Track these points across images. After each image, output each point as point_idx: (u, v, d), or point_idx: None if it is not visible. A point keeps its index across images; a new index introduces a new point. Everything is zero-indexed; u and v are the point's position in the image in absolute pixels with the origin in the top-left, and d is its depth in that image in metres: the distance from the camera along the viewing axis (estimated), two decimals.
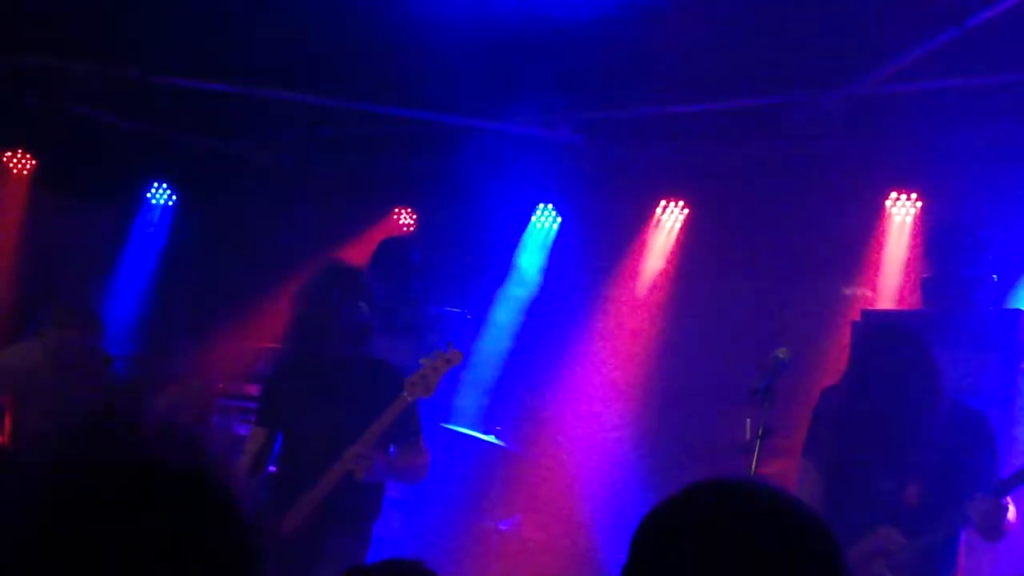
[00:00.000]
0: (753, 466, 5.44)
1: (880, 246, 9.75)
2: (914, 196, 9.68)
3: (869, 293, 9.89)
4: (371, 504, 6.89)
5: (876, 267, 9.77)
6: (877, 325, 6.65)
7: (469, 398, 10.44)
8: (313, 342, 6.75)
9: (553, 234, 11.31)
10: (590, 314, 10.99)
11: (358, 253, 10.67)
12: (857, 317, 8.98)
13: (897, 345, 6.21)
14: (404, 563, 3.51)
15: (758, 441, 5.45)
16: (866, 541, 6.00)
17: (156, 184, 12.18)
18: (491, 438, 9.66)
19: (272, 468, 7.17)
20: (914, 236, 9.48)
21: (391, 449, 6.81)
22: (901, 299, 9.22)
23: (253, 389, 9.23)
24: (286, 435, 6.86)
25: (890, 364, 6.11)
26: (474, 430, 9.80)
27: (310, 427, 6.72)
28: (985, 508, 5.84)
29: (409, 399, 6.58)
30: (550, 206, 11.30)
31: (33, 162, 11.53)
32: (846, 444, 6.21)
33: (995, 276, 8.42)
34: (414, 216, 12.07)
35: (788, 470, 6.96)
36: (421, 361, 6.70)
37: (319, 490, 6.49)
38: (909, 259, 9.30)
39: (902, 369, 6.07)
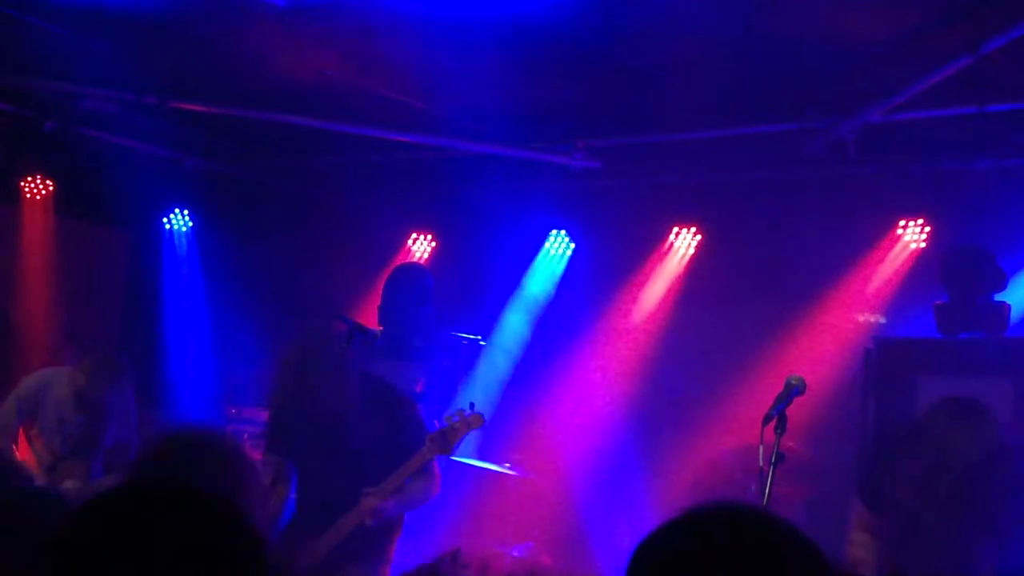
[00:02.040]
0: (766, 492, 5.41)
1: (893, 273, 9.75)
2: (921, 222, 9.69)
3: (882, 320, 9.90)
4: (390, 526, 6.89)
5: (889, 294, 9.77)
6: (957, 400, 6.55)
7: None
8: (308, 398, 6.73)
9: (566, 260, 11.33)
10: (601, 340, 11.01)
11: (375, 278, 10.70)
12: (870, 344, 8.98)
13: (974, 432, 6.17)
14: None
15: (771, 467, 5.42)
16: None
17: (173, 209, 12.22)
18: (503, 468, 9.67)
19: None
20: (927, 263, 9.48)
21: (406, 480, 6.81)
22: (915, 326, 9.21)
23: (263, 414, 9.27)
24: (302, 469, 6.85)
25: (967, 441, 6.08)
26: (484, 460, 9.82)
27: (328, 466, 6.72)
28: None
29: (429, 456, 6.61)
30: (563, 232, 11.33)
31: (51, 187, 11.57)
32: (909, 504, 6.18)
33: (1010, 303, 8.41)
34: (432, 241, 12.10)
35: (796, 496, 6.97)
36: (445, 418, 6.71)
37: (335, 535, 6.51)
38: (922, 286, 9.29)
39: (981, 449, 6.04)
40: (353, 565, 6.68)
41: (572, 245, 11.33)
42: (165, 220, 12.25)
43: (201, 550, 2.12)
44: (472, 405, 6.82)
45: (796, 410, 5.71)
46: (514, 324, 11.29)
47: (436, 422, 6.73)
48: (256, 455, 7.67)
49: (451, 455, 6.73)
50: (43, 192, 11.57)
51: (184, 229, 12.26)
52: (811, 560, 2.26)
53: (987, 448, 6.01)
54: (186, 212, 12.25)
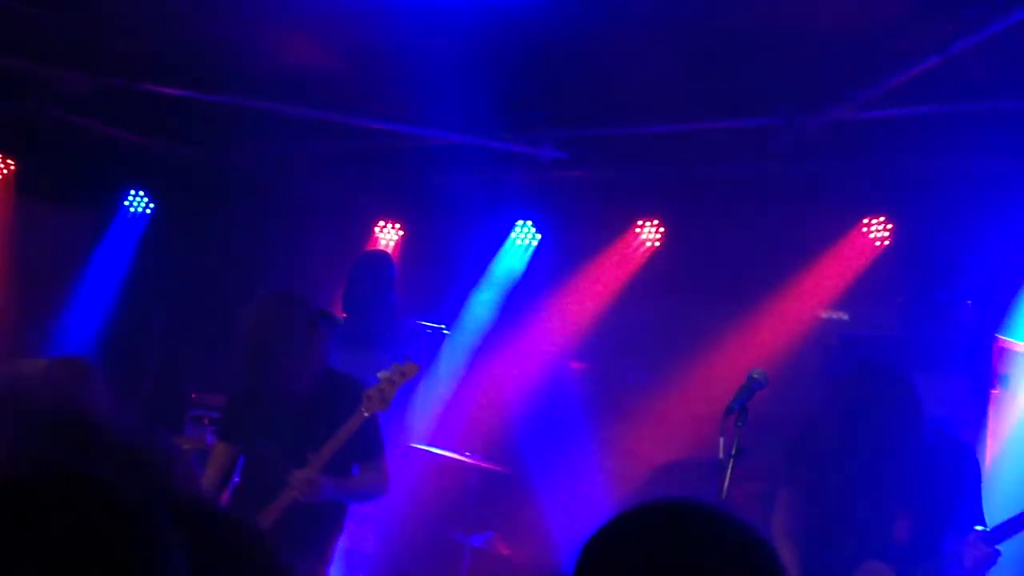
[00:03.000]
0: (725, 486, 5.42)
1: (856, 270, 9.78)
2: (882, 219, 9.72)
3: (845, 317, 9.93)
4: (330, 523, 6.79)
5: (852, 291, 9.80)
6: (861, 363, 6.65)
7: (434, 412, 10.46)
8: (267, 368, 6.67)
9: (531, 250, 11.34)
10: (563, 330, 11.02)
11: (341, 266, 10.67)
12: (833, 340, 9.01)
13: (881, 385, 6.22)
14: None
15: (731, 461, 5.43)
16: None
17: (134, 192, 12.15)
18: (466, 456, 9.67)
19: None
20: (890, 260, 9.51)
21: (354, 468, 6.74)
22: (876, 323, 9.24)
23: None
24: (246, 454, 6.80)
25: (874, 404, 6.13)
26: (445, 449, 9.81)
27: (268, 447, 6.66)
28: (979, 555, 5.87)
29: (366, 414, 6.52)
30: (529, 223, 11.34)
31: (12, 166, 11.49)
32: (831, 477, 6.22)
33: (969, 301, 8.44)
34: (399, 230, 12.08)
35: (757, 492, 6.97)
36: (379, 375, 6.65)
37: (269, 514, 6.37)
38: (885, 283, 9.32)
39: (886, 410, 6.09)
40: (294, 558, 6.59)
41: (538, 236, 11.33)
42: (127, 202, 12.19)
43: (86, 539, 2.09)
44: (407, 356, 6.78)
45: (758, 405, 5.73)
46: (477, 313, 11.28)
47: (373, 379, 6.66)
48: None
49: (386, 409, 6.62)
50: (4, 171, 11.50)
51: (146, 212, 12.20)
52: (762, 556, 2.25)
53: (902, 413, 6.07)
54: (148, 195, 12.18)
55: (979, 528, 6.04)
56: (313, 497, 6.38)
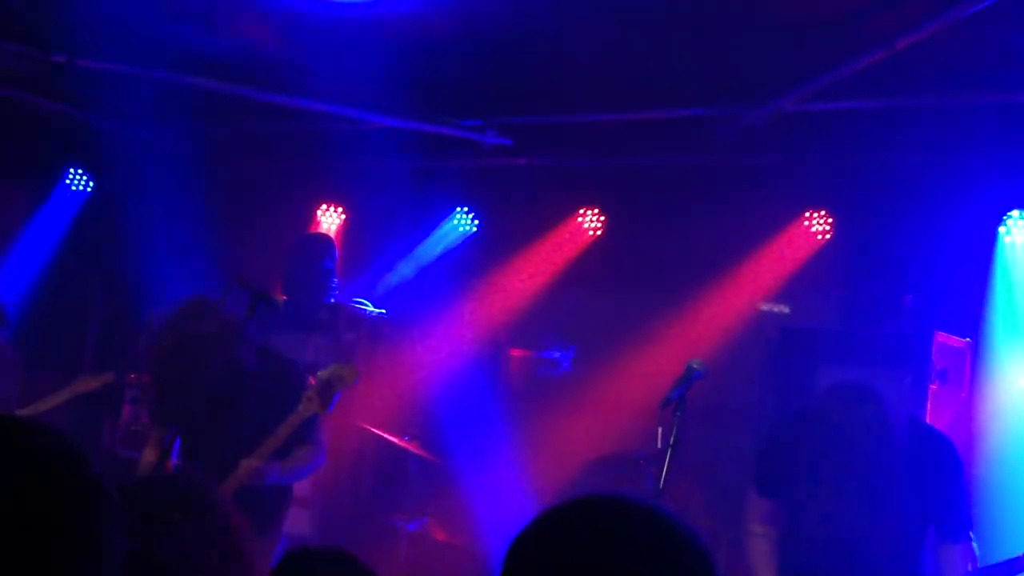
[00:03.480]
0: (663, 476, 5.42)
1: (798, 262, 9.81)
2: (823, 213, 9.76)
3: (785, 309, 9.96)
4: (277, 499, 6.81)
5: (793, 283, 9.83)
6: (839, 390, 6.63)
7: (387, 399, 10.43)
8: (197, 358, 6.63)
9: (470, 236, 11.33)
10: (498, 319, 11.01)
11: (283, 249, 10.61)
12: (774, 332, 9.04)
13: (860, 413, 6.21)
14: (341, 551, 3.52)
15: (668, 451, 5.43)
16: None
17: (73, 169, 12.02)
18: (406, 441, 9.63)
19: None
20: (831, 254, 9.55)
21: (292, 447, 6.72)
22: (817, 316, 9.27)
23: None
24: (185, 438, 6.74)
25: (854, 432, 6.11)
26: (386, 432, 9.77)
27: (208, 434, 6.62)
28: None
29: (305, 414, 6.52)
30: (465, 208, 11.31)
31: None
32: (811, 484, 6.20)
33: (909, 296, 8.49)
34: (341, 213, 12.02)
35: (695, 483, 6.99)
36: (319, 374, 6.64)
37: None
38: (826, 277, 9.35)
39: (866, 438, 6.07)
40: None
41: (476, 222, 11.30)
42: (67, 179, 12.06)
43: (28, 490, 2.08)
44: (346, 360, 6.78)
45: (696, 395, 5.73)
46: (395, 291, 11.26)
47: (312, 379, 6.66)
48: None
49: (327, 411, 6.63)
50: None
51: (86, 189, 12.08)
52: (692, 549, 2.24)
53: (876, 430, 6.07)
54: (87, 173, 12.06)
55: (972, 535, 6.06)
56: (259, 483, 6.40)
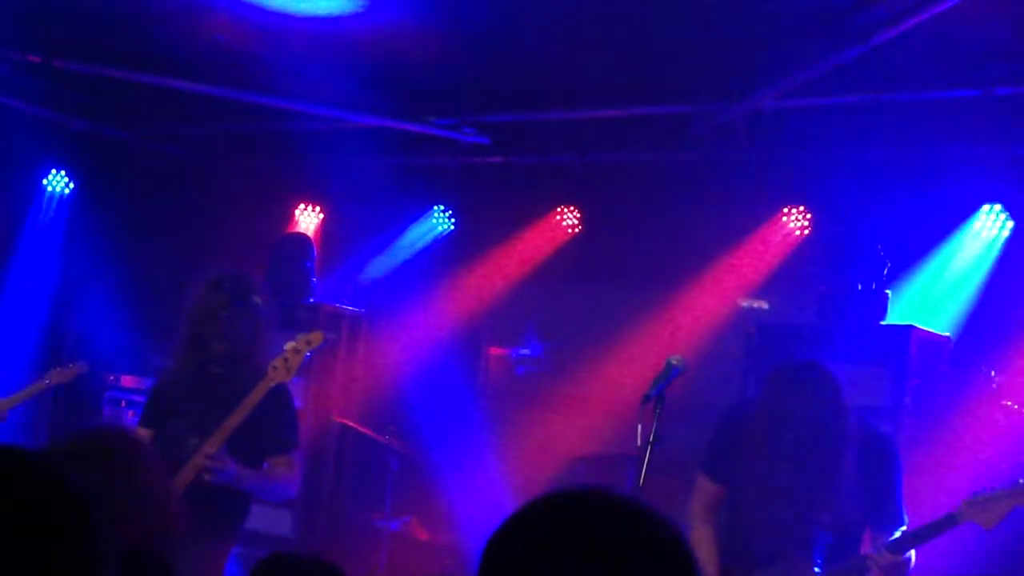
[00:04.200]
0: (642, 472, 5.42)
1: (776, 258, 9.82)
2: (802, 208, 9.78)
3: (764, 305, 9.98)
4: (234, 504, 6.66)
5: (772, 279, 9.85)
6: (785, 359, 6.66)
7: (366, 398, 10.43)
8: (194, 349, 6.62)
9: (442, 234, 11.32)
10: (477, 317, 11.01)
11: (261, 249, 10.60)
12: (752, 328, 9.05)
13: (800, 378, 6.23)
14: (321, 560, 3.53)
15: (648, 447, 5.44)
16: (771, 570, 6.04)
17: (54, 171, 11.97)
18: (386, 438, 9.63)
19: None
20: (810, 250, 9.57)
21: (264, 464, 6.64)
22: (795, 312, 9.29)
23: (145, 382, 9.13)
24: (156, 436, 6.70)
25: (793, 397, 6.13)
26: (366, 431, 9.78)
27: (177, 427, 6.59)
28: (886, 563, 5.89)
29: (272, 382, 6.44)
30: (442, 207, 11.30)
31: None
32: (752, 467, 6.21)
33: (889, 291, 8.51)
34: (319, 213, 12.00)
35: (677, 480, 6.99)
36: (285, 346, 6.59)
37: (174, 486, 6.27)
38: (804, 272, 9.37)
39: (806, 404, 6.09)
40: (196, 549, 6.48)
41: (452, 220, 11.29)
42: (45, 181, 12.01)
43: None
44: (311, 325, 6.73)
45: (675, 392, 5.74)
46: (388, 296, 11.26)
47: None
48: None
49: (291, 378, 6.56)
50: None
51: (64, 192, 12.03)
52: (672, 543, 2.24)
53: (824, 406, 6.09)
54: (66, 175, 12.01)
55: (900, 531, 6.06)
56: (215, 474, 6.26)
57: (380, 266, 11.38)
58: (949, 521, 5.85)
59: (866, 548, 6.11)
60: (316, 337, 6.63)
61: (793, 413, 6.09)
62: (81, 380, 9.60)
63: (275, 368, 6.44)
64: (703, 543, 6.29)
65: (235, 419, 6.31)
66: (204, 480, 6.24)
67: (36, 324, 11.49)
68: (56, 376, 8.61)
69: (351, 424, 9.89)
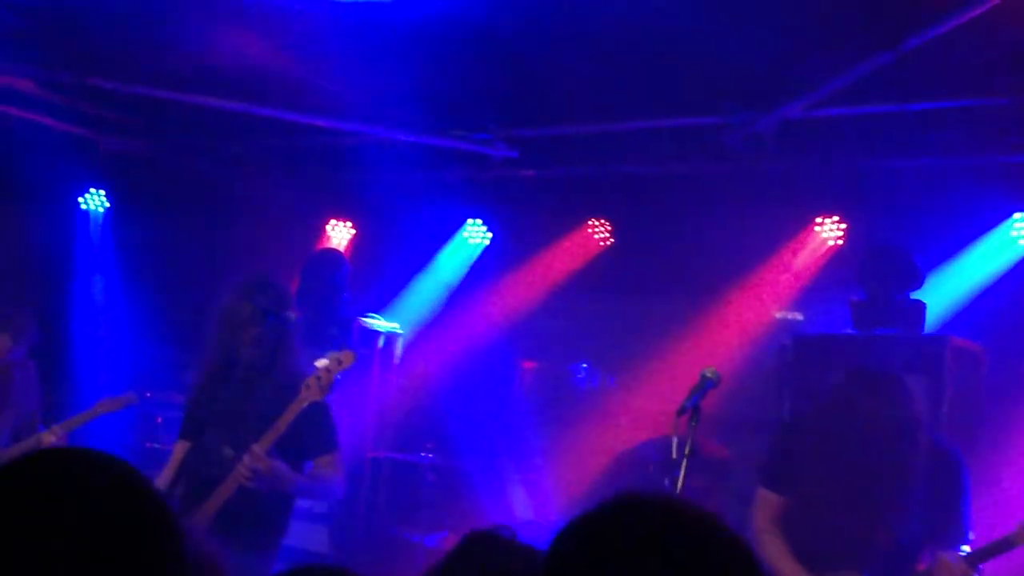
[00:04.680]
0: (679, 484, 5.41)
1: (810, 269, 9.79)
2: (837, 219, 9.74)
3: (799, 316, 9.95)
4: (275, 515, 6.69)
5: (805, 290, 9.82)
6: (860, 371, 6.58)
7: (401, 413, 10.44)
8: (228, 355, 6.64)
9: (482, 248, 11.33)
10: (513, 329, 11.00)
11: (293, 264, 10.62)
12: (787, 339, 9.02)
13: (880, 395, 6.16)
14: (334, 568, 3.48)
15: (684, 459, 5.43)
16: None
17: (89, 189, 12.04)
18: (421, 455, 9.64)
19: None
20: (845, 260, 9.53)
21: (308, 465, 6.66)
22: (830, 323, 9.25)
23: (177, 397, 9.15)
24: (191, 448, 6.72)
25: (872, 413, 6.06)
26: (399, 446, 9.78)
27: (214, 439, 6.60)
28: (956, 574, 5.83)
29: (304, 402, 6.45)
30: (479, 221, 11.32)
31: None
32: (817, 473, 6.17)
33: (924, 301, 8.46)
34: (351, 228, 12.02)
35: (711, 488, 6.97)
36: (316, 363, 6.60)
37: (213, 502, 6.30)
38: (838, 283, 9.33)
39: (885, 421, 6.03)
40: (238, 558, 6.50)
41: (489, 234, 11.31)
42: (80, 200, 12.08)
43: (111, 520, 2.09)
44: (342, 345, 6.73)
45: (711, 404, 5.72)
46: (418, 307, 11.27)
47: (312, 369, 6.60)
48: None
49: (325, 397, 6.56)
50: None
51: (100, 210, 12.09)
52: (735, 548, 2.24)
53: (904, 419, 6.03)
54: (102, 192, 12.07)
55: (965, 548, 6.00)
56: (263, 482, 6.28)
57: (415, 281, 11.39)
58: (1006, 544, 5.80)
59: (923, 566, 6.06)
60: (347, 357, 6.62)
61: (867, 417, 6.02)
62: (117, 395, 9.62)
63: (308, 387, 6.44)
64: (780, 553, 6.25)
65: (271, 436, 6.32)
66: (247, 489, 6.26)
67: (86, 344, 11.57)
68: (106, 406, 8.63)
69: (385, 440, 9.89)
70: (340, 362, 6.56)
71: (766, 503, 6.40)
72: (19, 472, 2.15)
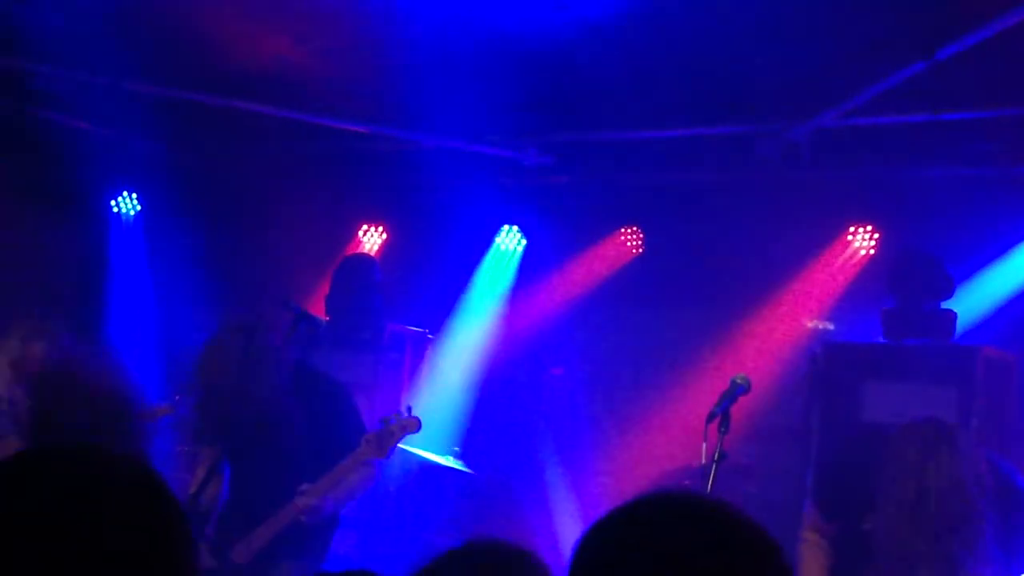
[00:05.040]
0: (708, 491, 5.42)
1: (843, 278, 9.77)
2: (870, 229, 9.72)
3: (830, 326, 9.92)
4: (324, 525, 6.82)
5: (837, 299, 9.79)
6: (913, 427, 6.42)
7: (429, 418, 10.42)
8: (257, 376, 6.65)
9: (518, 255, 11.32)
10: (552, 337, 10.99)
11: (325, 268, 10.64)
12: (819, 347, 9.00)
13: (916, 444, 6.06)
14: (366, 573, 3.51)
15: (714, 465, 5.43)
16: None
17: (122, 193, 12.09)
18: (449, 460, 9.63)
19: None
20: (875, 269, 9.50)
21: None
22: (861, 332, 9.22)
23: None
24: (234, 461, 6.77)
25: (907, 462, 5.99)
26: (433, 451, 9.76)
27: (258, 459, 6.65)
28: None
29: (363, 456, 6.54)
30: (515, 227, 11.32)
31: None
32: (867, 506, 6.10)
33: (954, 310, 8.43)
34: (383, 233, 12.04)
35: (741, 498, 6.96)
36: (381, 420, 6.65)
37: (270, 528, 6.42)
38: (871, 292, 9.30)
39: (920, 470, 5.95)
40: (288, 561, 6.61)
41: (524, 241, 11.32)
42: (113, 203, 12.13)
43: (126, 521, 2.09)
44: (409, 409, 6.78)
45: (740, 411, 5.72)
46: (468, 319, 11.26)
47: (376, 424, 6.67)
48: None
49: (385, 458, 6.66)
50: None
51: (132, 212, 12.14)
52: (764, 545, 2.24)
53: (956, 475, 5.92)
54: (135, 195, 12.12)
55: None
56: (314, 519, 6.44)
57: (449, 287, 11.40)
58: None
59: None
60: (412, 424, 6.69)
61: (903, 477, 5.91)
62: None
63: (368, 443, 6.52)
64: (812, 565, 6.23)
65: (330, 480, 6.41)
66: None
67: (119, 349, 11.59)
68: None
69: (412, 447, 9.89)
70: (404, 428, 6.63)
71: (812, 516, 6.39)
72: (32, 469, 2.15)
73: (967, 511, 5.86)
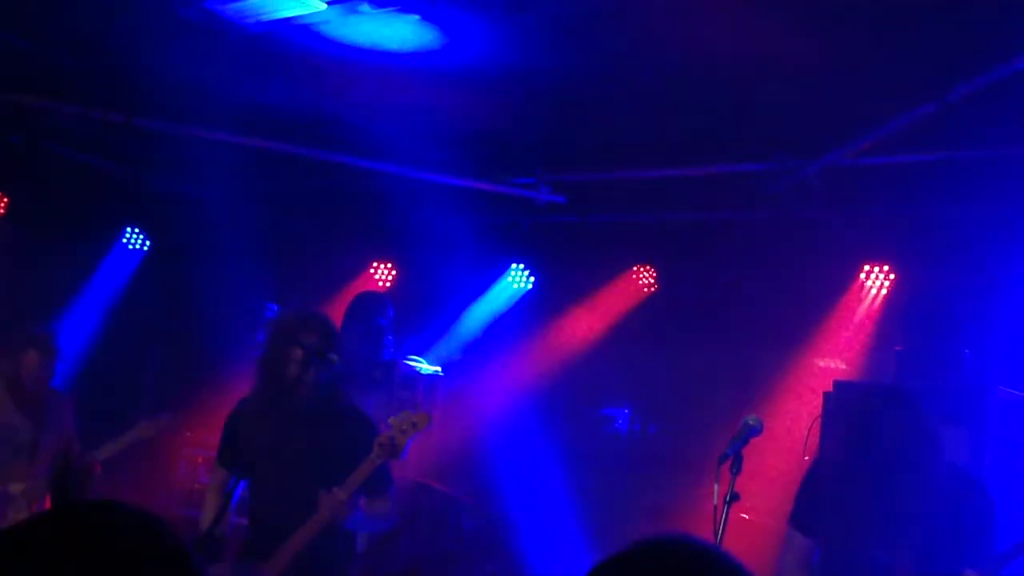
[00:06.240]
0: (720, 531, 5.39)
1: (854, 318, 9.75)
2: (887, 269, 9.71)
3: (843, 366, 9.89)
4: (346, 550, 6.83)
5: (849, 339, 9.77)
6: (874, 390, 6.54)
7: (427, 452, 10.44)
8: (280, 388, 6.69)
9: (522, 293, 11.34)
10: (553, 376, 10.99)
11: (335, 306, 10.64)
12: (829, 388, 8.98)
13: (897, 411, 6.11)
14: None
15: (726, 506, 5.41)
16: None
17: (130, 228, 12.12)
18: (460, 498, 9.63)
19: (235, 518, 7.13)
20: (888, 309, 9.49)
21: (362, 500, 6.75)
22: (874, 371, 9.20)
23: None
24: (254, 483, 6.78)
25: (889, 430, 6.01)
26: (444, 487, 9.77)
27: (280, 476, 6.65)
28: None
29: (377, 462, 6.52)
30: (521, 266, 11.33)
31: (5, 200, 11.46)
32: (840, 515, 6.12)
33: (967, 350, 8.41)
34: (392, 271, 12.05)
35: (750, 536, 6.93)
36: (390, 421, 6.63)
37: (299, 539, 6.41)
38: (883, 332, 9.29)
39: (902, 436, 5.97)
40: None
41: (532, 279, 11.32)
42: (124, 238, 12.16)
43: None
44: (416, 405, 6.77)
45: (753, 451, 5.69)
46: (462, 348, 11.28)
47: (383, 427, 6.65)
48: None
49: (400, 458, 6.63)
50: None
51: (141, 248, 12.17)
52: None
53: (914, 430, 5.94)
54: (143, 232, 12.16)
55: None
56: (344, 518, 6.40)
57: (459, 326, 11.41)
58: None
59: None
60: (422, 419, 6.65)
61: (874, 435, 5.96)
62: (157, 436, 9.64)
63: (381, 445, 6.50)
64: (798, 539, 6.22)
65: (351, 486, 6.40)
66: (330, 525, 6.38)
67: (111, 381, 11.60)
68: (144, 429, 8.63)
69: (427, 482, 9.87)
70: (414, 424, 6.60)
71: (794, 543, 6.36)
72: (39, 533, 2.13)
73: (917, 457, 5.87)
